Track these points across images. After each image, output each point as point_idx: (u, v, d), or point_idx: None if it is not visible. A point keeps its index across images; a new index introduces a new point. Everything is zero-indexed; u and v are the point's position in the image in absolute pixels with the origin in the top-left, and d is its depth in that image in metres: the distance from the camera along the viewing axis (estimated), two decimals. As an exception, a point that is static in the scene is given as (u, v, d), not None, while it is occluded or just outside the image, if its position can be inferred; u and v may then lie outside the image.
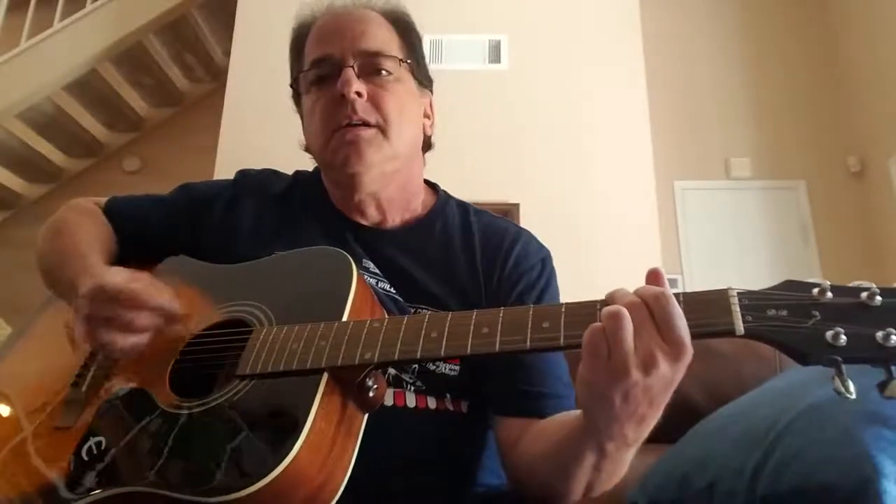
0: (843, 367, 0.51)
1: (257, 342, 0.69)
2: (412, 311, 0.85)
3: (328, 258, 0.78)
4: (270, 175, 1.02)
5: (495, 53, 4.40)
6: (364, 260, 0.88)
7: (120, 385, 0.74)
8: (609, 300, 0.58)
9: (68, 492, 0.64)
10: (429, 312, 0.84)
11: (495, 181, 4.02)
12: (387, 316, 0.76)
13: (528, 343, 0.59)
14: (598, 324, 0.55)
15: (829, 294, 0.53)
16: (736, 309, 0.54)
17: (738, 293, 0.55)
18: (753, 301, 0.55)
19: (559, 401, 0.82)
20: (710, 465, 0.82)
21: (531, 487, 0.77)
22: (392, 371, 0.80)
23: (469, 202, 1.01)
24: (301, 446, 0.58)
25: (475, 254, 0.92)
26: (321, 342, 0.65)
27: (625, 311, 0.54)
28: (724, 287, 0.56)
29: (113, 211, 0.98)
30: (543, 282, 0.91)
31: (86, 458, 0.67)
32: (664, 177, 4.56)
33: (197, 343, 0.75)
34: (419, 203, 0.97)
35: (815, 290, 0.54)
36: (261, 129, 3.98)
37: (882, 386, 0.50)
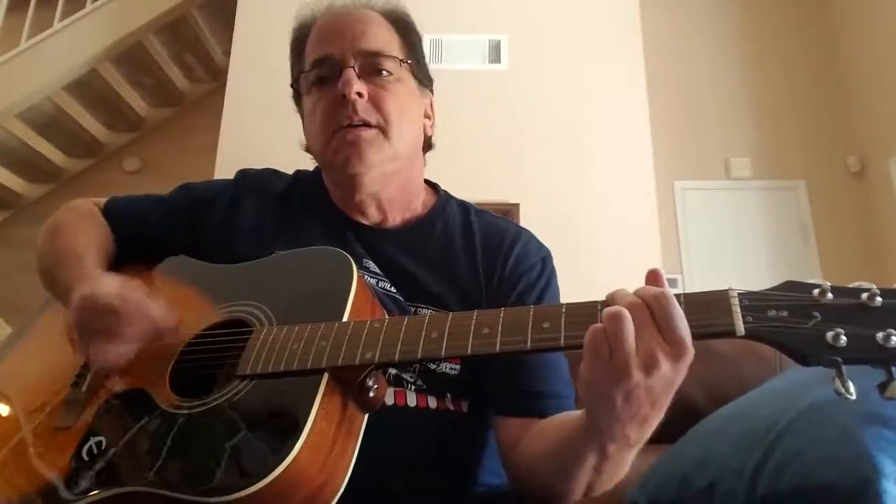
0: (844, 367, 0.51)
1: (257, 342, 0.69)
2: (412, 310, 0.85)
3: (328, 258, 0.78)
4: (271, 175, 1.02)
5: (495, 53, 4.40)
6: (365, 259, 0.88)
7: (120, 385, 0.74)
8: (610, 301, 0.58)
9: (68, 492, 0.64)
10: (429, 313, 0.84)
11: (495, 181, 4.02)
12: (387, 316, 0.76)
13: (529, 343, 0.59)
14: (599, 324, 0.55)
15: (830, 295, 0.53)
16: (736, 310, 0.54)
17: (739, 294, 0.55)
18: (754, 302, 0.55)
19: (560, 400, 0.82)
20: (710, 465, 0.82)
21: (531, 487, 0.77)
22: (393, 370, 0.80)
23: (469, 202, 1.01)
24: (301, 446, 0.58)
25: (476, 253, 0.92)
26: (321, 342, 0.65)
27: (626, 312, 0.54)
28: (725, 287, 0.56)
29: (112, 211, 0.98)
30: (544, 281, 0.91)
31: (86, 458, 0.67)
32: (664, 177, 4.56)
33: (197, 343, 0.75)
34: (420, 203, 0.97)
35: (816, 291, 0.54)
36: (261, 129, 3.98)
37: (882, 387, 0.50)
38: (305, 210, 0.96)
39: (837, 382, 0.50)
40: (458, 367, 0.83)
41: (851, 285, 0.53)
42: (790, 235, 4.81)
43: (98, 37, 4.78)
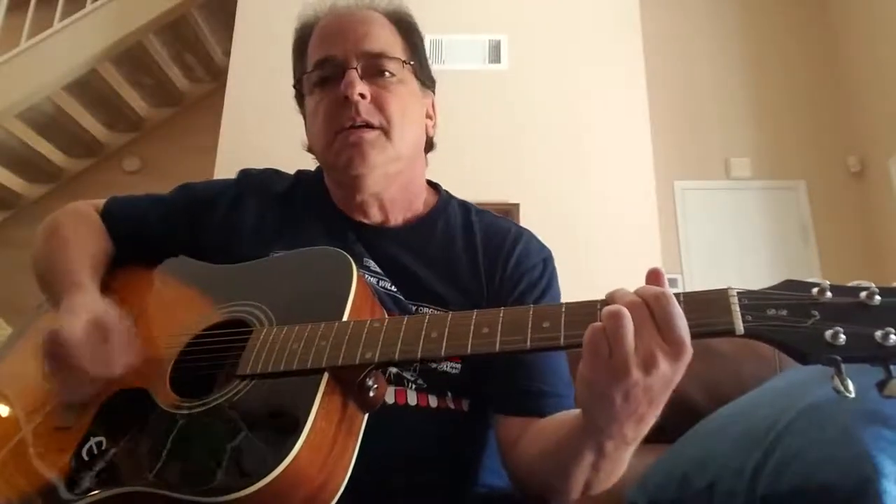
0: (843, 366, 0.51)
1: (257, 342, 0.69)
2: (413, 309, 0.85)
3: (328, 258, 0.78)
4: (272, 174, 1.02)
5: (495, 53, 4.40)
6: (365, 259, 0.88)
7: (120, 385, 0.74)
8: (609, 300, 0.58)
9: (68, 492, 0.64)
10: (430, 312, 0.84)
11: (495, 181, 4.02)
12: (387, 316, 0.76)
13: (529, 343, 0.59)
14: (598, 323, 0.55)
15: (829, 294, 0.53)
16: (736, 308, 0.54)
17: (738, 293, 0.55)
18: (753, 301, 0.55)
19: (559, 400, 0.82)
20: (710, 465, 0.82)
21: (531, 486, 0.77)
22: (393, 369, 0.80)
23: (470, 202, 1.01)
24: (301, 446, 0.58)
25: (477, 253, 0.92)
26: (321, 342, 0.66)
27: (625, 311, 0.54)
28: (724, 287, 0.56)
29: (111, 211, 0.98)
30: (545, 281, 0.91)
31: (86, 458, 0.67)
32: (664, 177, 4.57)
33: (197, 343, 0.75)
34: (421, 203, 0.98)
35: (815, 290, 0.54)
36: (261, 129, 3.98)
37: (881, 385, 0.50)
38: (307, 210, 0.96)
39: (837, 381, 0.50)
40: (458, 366, 0.84)
41: (850, 284, 0.54)
42: (790, 235, 4.81)
43: (98, 37, 4.79)
